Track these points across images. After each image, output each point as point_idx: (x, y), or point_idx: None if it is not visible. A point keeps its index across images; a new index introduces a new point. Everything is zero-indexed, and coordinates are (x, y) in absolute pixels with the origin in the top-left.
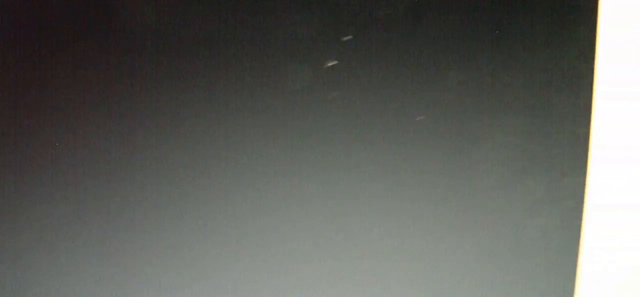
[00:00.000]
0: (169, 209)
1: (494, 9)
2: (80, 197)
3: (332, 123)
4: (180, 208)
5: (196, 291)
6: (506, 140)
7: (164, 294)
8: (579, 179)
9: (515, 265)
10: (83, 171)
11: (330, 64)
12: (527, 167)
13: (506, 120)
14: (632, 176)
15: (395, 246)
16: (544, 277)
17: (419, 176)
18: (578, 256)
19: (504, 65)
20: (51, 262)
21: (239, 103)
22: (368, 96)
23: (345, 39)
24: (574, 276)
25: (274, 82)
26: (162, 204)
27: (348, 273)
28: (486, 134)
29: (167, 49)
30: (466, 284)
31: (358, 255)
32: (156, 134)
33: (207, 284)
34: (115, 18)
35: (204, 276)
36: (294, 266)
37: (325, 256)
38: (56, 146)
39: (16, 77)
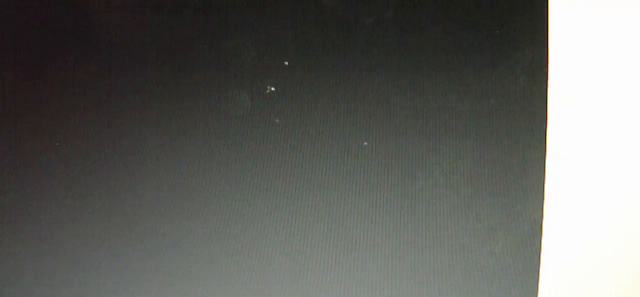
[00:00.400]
0: (172, 207)
1: (441, 31)
2: (80, 197)
3: (276, 149)
4: (190, 205)
5: (192, 291)
6: (456, 166)
7: (164, 294)
8: (534, 202)
9: (472, 293)
10: (83, 171)
11: (270, 90)
12: (479, 192)
13: (455, 145)
14: (588, 194)
15: (343, 273)
16: None
17: (367, 203)
18: (537, 280)
19: (452, 89)
20: (51, 262)
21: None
22: (313, 121)
23: (286, 63)
24: None
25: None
26: (160, 205)
27: None
28: (435, 159)
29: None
30: None
31: (305, 282)
32: (164, 130)
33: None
34: (117, 17)
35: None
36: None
37: (266, 280)
38: (56, 146)
39: (16, 77)
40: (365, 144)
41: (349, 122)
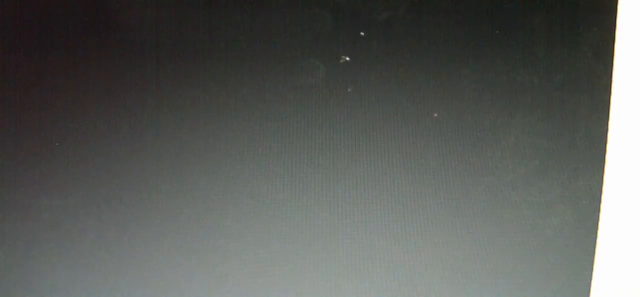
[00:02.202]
0: (171, 208)
1: (513, 7)
2: (80, 197)
3: (347, 119)
4: (188, 200)
5: (199, 289)
6: (522, 139)
7: (165, 293)
8: (595, 179)
9: (530, 264)
10: (83, 171)
11: (344, 60)
12: (542, 166)
13: (522, 119)
14: None
15: (410, 243)
16: (559, 276)
17: (434, 174)
18: (594, 255)
19: (521, 64)
20: (51, 262)
21: (251, 100)
22: (384, 93)
23: (361, 34)
24: (590, 276)
25: (290, 77)
26: (171, 195)
27: (364, 270)
28: (502, 132)
29: (176, 48)
30: (481, 283)
31: (372, 252)
32: (164, 131)
33: (217, 275)
34: (116, 17)
35: (213, 267)
36: (311, 261)
37: (341, 251)
38: (56, 146)
39: (16, 77)
40: (435, 115)
41: (421, 94)
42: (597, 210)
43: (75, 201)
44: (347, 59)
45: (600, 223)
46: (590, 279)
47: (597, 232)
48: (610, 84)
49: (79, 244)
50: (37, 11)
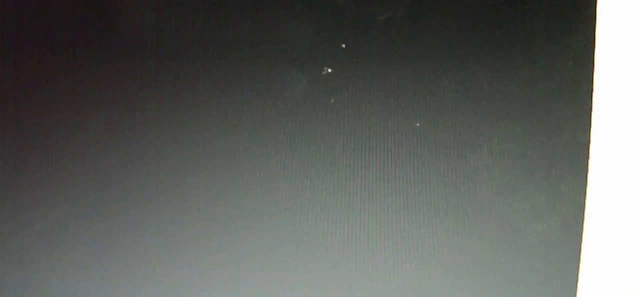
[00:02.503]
0: (168, 210)
1: (492, 14)
2: (81, 197)
3: (331, 129)
4: (180, 210)
5: (198, 291)
6: (505, 146)
7: (164, 294)
8: (578, 185)
9: (515, 271)
10: (83, 170)
11: (327, 71)
12: (526, 172)
13: (504, 126)
14: (631, 179)
15: (393, 251)
16: (544, 283)
17: (418, 183)
18: (579, 262)
19: (502, 72)
20: (51, 262)
21: (239, 105)
22: (366, 104)
23: (342, 46)
24: (575, 282)
25: (274, 87)
26: (162, 205)
27: (348, 280)
28: (484, 139)
29: (165, 53)
30: (465, 290)
31: (356, 261)
32: (155, 135)
33: (209, 285)
34: (116, 20)
35: (205, 276)
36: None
37: (324, 261)
38: (56, 146)
39: (16, 77)
40: (418, 124)
41: (403, 103)
42: (582, 216)
43: (67, 211)
44: (329, 70)
45: (584, 229)
46: (576, 285)
47: (581, 238)
48: (592, 90)
49: (79, 245)
50: (36, 13)
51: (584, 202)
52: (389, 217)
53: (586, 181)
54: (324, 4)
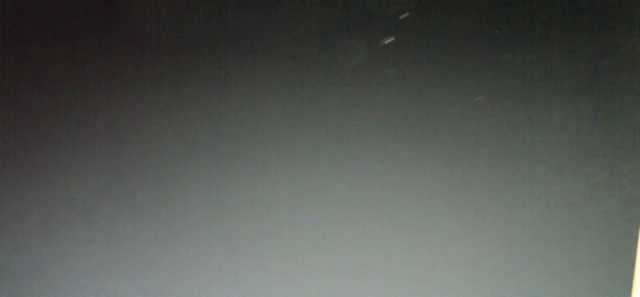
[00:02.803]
0: (175, 206)
1: None
2: (81, 196)
3: (390, 102)
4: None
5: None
6: (567, 124)
7: (164, 292)
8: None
9: (572, 250)
10: (84, 170)
11: (387, 42)
12: (586, 151)
13: (566, 103)
14: None
15: (452, 223)
16: (601, 263)
17: (478, 158)
18: (637, 241)
19: (566, 48)
20: (51, 261)
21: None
22: (425, 75)
23: (402, 17)
24: (634, 261)
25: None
26: (166, 202)
27: (411, 243)
28: (545, 115)
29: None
30: (521, 267)
31: (422, 224)
32: (169, 130)
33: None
34: (117, 20)
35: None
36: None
37: (389, 219)
38: (56, 146)
39: (16, 77)
40: (480, 98)
41: (466, 77)
42: None
43: (75, 200)
44: (390, 40)
45: None
46: (634, 264)
47: None
48: None
49: (79, 243)
50: (36, 11)
51: None
52: (448, 189)
53: None
54: None
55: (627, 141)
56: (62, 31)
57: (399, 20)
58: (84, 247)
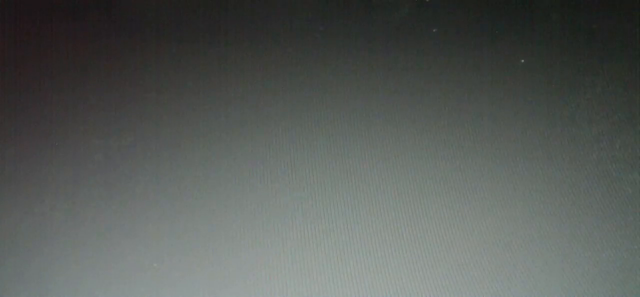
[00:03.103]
0: (175, 206)
1: None
2: (80, 196)
3: (429, 59)
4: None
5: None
6: (607, 89)
7: (165, 292)
8: None
9: (609, 221)
10: (83, 170)
11: None
12: (626, 118)
13: (608, 67)
14: None
15: (499, 184)
16: (637, 232)
17: (519, 120)
18: None
19: (611, 9)
20: (51, 260)
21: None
22: (468, 34)
23: None
24: None
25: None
26: (166, 201)
27: (449, 213)
28: (587, 80)
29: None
30: (556, 237)
31: (458, 190)
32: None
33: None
34: (117, 15)
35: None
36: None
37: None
38: (56, 146)
39: (17, 77)
40: (522, 61)
41: (508, 38)
42: None
43: (75, 200)
44: None
45: None
46: None
47: None
48: None
49: (79, 243)
50: (37, 13)
51: None
52: (490, 149)
53: None
54: None
55: None
56: (61, 5)
57: None
58: (84, 248)
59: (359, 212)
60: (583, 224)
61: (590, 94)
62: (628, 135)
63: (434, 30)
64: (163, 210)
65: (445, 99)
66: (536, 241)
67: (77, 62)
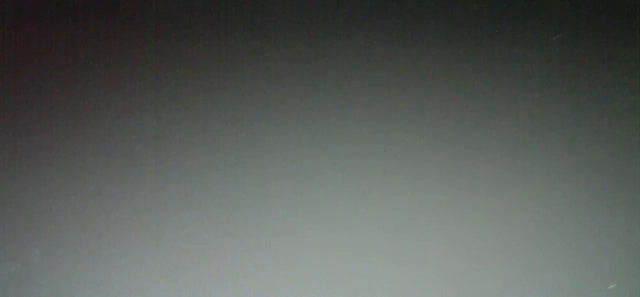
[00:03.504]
0: (176, 205)
1: None
2: (80, 196)
3: (463, 33)
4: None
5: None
6: (608, 90)
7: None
8: None
9: (608, 218)
10: (83, 170)
11: None
12: (628, 119)
13: (608, 69)
14: None
15: (527, 162)
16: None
17: (555, 93)
18: None
19: (608, 11)
20: (51, 261)
21: None
22: (503, 10)
23: None
24: None
25: None
26: (167, 201)
27: (464, 207)
28: (622, 57)
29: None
30: (557, 232)
31: (459, 190)
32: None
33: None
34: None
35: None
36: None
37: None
38: (56, 146)
39: (17, 77)
40: (557, 37)
41: (544, 14)
42: None
43: (75, 200)
44: None
45: None
46: None
47: None
48: None
49: (79, 242)
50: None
51: None
52: (487, 147)
53: None
54: None
55: None
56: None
57: None
58: (84, 247)
59: (359, 212)
60: (583, 224)
61: (625, 67)
62: (628, 135)
63: (476, 7)
64: (163, 210)
65: (445, 99)
66: (536, 241)
67: (78, 62)
